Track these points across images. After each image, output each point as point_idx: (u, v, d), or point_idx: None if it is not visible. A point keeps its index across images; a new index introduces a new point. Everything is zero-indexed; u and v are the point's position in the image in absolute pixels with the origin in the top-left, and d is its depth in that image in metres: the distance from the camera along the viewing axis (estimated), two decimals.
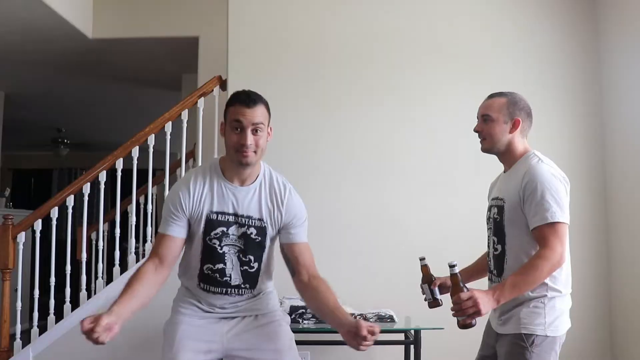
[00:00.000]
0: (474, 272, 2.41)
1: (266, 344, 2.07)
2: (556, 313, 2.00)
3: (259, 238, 2.07)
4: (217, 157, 2.15)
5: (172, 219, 2.03)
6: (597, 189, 4.03)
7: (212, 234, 2.03)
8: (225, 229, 2.03)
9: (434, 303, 2.32)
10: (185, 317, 2.10)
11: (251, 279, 2.10)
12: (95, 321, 1.72)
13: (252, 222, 2.05)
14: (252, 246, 2.07)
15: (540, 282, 1.93)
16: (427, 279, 2.32)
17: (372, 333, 1.78)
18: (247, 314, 2.13)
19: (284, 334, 2.13)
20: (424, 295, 2.35)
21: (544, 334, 1.97)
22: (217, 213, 2.03)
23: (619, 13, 3.92)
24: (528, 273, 1.91)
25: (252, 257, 2.08)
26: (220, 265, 2.05)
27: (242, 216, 2.05)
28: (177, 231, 2.03)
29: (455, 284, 1.93)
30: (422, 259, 2.33)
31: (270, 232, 2.09)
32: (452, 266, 1.94)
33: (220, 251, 2.04)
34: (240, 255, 2.06)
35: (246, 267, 2.08)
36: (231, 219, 2.04)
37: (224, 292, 2.07)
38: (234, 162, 2.02)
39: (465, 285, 1.93)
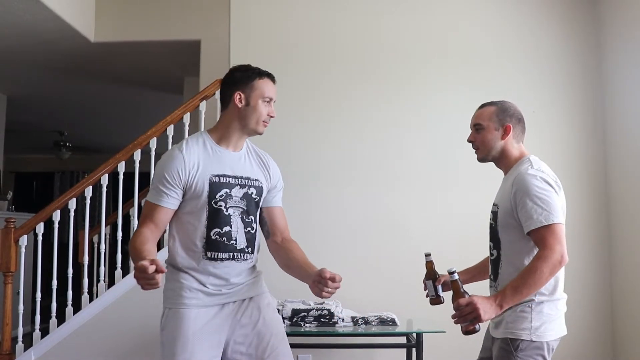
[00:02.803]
0: (476, 272, 2.41)
1: (265, 329, 2.12)
2: (543, 318, 1.99)
3: (258, 198, 2.17)
4: (201, 130, 2.20)
5: (166, 189, 2.04)
6: (598, 192, 4.03)
7: (217, 196, 2.06)
8: (228, 191, 2.09)
9: (436, 300, 2.30)
10: (192, 310, 2.04)
11: (252, 242, 2.15)
12: (154, 262, 1.75)
13: (251, 183, 2.14)
14: (252, 206, 2.15)
15: (543, 284, 1.92)
16: (431, 275, 2.31)
17: (333, 280, 1.93)
18: (245, 297, 2.14)
19: (279, 322, 2.22)
20: (426, 292, 2.33)
21: (529, 339, 1.97)
22: (219, 176, 2.08)
23: (620, 15, 3.92)
24: (528, 276, 1.90)
25: (252, 218, 2.16)
26: (227, 228, 2.08)
27: (241, 177, 2.12)
28: (171, 203, 2.06)
29: (455, 290, 1.93)
30: (427, 255, 2.32)
31: (264, 192, 2.21)
32: (451, 273, 1.94)
33: (226, 213, 2.08)
34: (244, 217, 2.12)
35: (249, 229, 2.14)
36: (232, 180, 2.10)
37: (231, 257, 2.09)
38: (247, 131, 2.13)
39: (467, 291, 1.93)
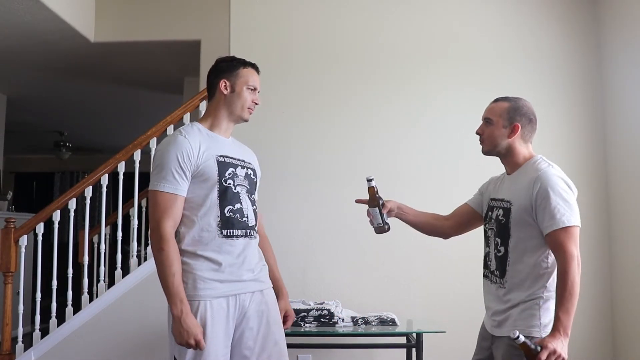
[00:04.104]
0: (417, 220, 2.44)
1: (269, 325, 2.16)
2: (550, 315, 2.01)
3: (255, 179, 2.27)
4: (189, 124, 2.23)
5: (179, 176, 2.04)
6: (599, 193, 4.03)
7: (226, 174, 2.11)
8: (234, 170, 2.15)
9: (381, 228, 2.23)
10: (207, 301, 2.03)
11: (256, 220, 2.22)
12: (202, 336, 1.97)
13: (247, 165, 2.24)
14: (253, 186, 2.24)
15: (578, 289, 1.93)
16: (375, 202, 2.22)
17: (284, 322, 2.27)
18: (255, 289, 2.15)
19: (280, 318, 2.26)
20: (370, 219, 2.25)
21: (539, 336, 1.98)
22: (223, 156, 2.14)
23: (620, 15, 3.92)
24: (567, 293, 1.92)
25: (255, 198, 2.25)
26: (239, 205, 2.13)
27: (239, 159, 2.21)
28: (186, 190, 2.07)
29: (526, 351, 1.87)
30: (369, 180, 2.23)
31: (258, 175, 2.31)
32: (516, 338, 1.85)
33: (235, 191, 2.13)
34: (249, 195, 2.20)
35: (254, 207, 2.22)
36: (234, 161, 2.17)
37: (245, 234, 2.13)
38: (233, 118, 2.21)
39: (534, 343, 1.88)
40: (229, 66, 2.21)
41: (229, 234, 2.09)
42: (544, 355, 1.84)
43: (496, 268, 2.14)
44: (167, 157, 2.05)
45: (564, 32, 4.16)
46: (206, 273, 2.05)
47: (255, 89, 2.22)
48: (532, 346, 1.86)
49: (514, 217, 2.07)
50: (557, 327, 1.90)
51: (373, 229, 2.29)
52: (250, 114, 2.23)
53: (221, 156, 2.13)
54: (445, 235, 2.49)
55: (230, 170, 2.13)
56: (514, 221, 2.07)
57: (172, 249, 2.00)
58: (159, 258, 1.99)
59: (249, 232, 2.15)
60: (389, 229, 2.25)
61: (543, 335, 1.97)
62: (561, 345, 1.87)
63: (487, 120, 2.19)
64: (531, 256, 2.03)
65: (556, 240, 1.96)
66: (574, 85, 4.13)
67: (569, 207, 1.97)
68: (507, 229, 2.09)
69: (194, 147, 2.06)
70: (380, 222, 2.22)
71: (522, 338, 1.84)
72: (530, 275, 2.03)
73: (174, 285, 1.97)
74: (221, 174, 2.10)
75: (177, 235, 2.09)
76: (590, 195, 3.99)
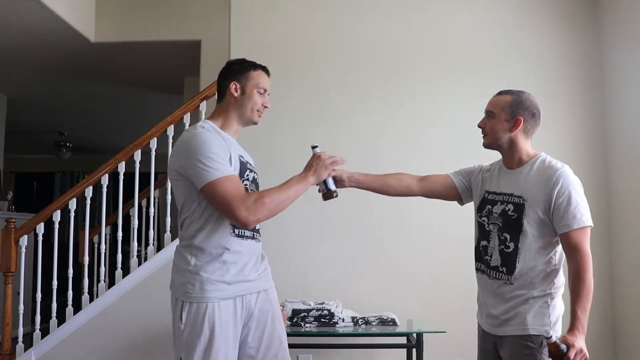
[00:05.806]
0: (374, 183, 2.39)
1: (273, 324, 2.17)
2: (557, 313, 2.03)
3: (258, 183, 2.28)
4: (202, 121, 2.20)
5: (224, 160, 2.03)
6: (598, 192, 4.03)
7: (245, 175, 2.13)
8: (248, 172, 2.17)
9: (327, 194, 2.25)
10: (214, 303, 2.01)
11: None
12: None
13: (253, 168, 2.26)
14: (257, 190, 2.24)
15: (592, 286, 2.00)
16: None
17: None
18: (260, 289, 2.15)
19: (281, 317, 2.26)
20: (318, 187, 2.27)
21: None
22: (240, 156, 2.15)
23: (620, 15, 3.92)
24: (584, 292, 1.98)
25: None
26: None
27: (248, 162, 2.21)
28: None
29: (555, 350, 1.87)
30: (313, 147, 2.29)
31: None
32: (549, 337, 1.86)
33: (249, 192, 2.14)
34: None
35: None
36: (246, 164, 2.19)
37: (252, 236, 2.14)
38: (243, 120, 2.22)
39: (560, 341, 1.88)
40: (239, 68, 2.22)
41: (240, 233, 2.10)
42: (572, 354, 1.86)
43: (501, 264, 2.09)
44: (208, 147, 2.01)
45: (564, 32, 4.16)
46: (213, 275, 2.03)
47: (265, 92, 2.24)
48: (561, 346, 1.87)
49: (528, 213, 2.04)
50: (577, 325, 1.93)
51: (321, 196, 2.29)
52: (260, 116, 2.24)
53: (239, 155, 2.14)
54: (411, 194, 2.41)
55: (247, 171, 2.16)
56: (530, 217, 2.04)
57: (263, 194, 2.03)
58: (267, 206, 2.01)
59: (256, 235, 2.17)
60: (336, 195, 2.26)
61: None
62: (583, 344, 1.90)
63: (489, 114, 2.15)
64: (542, 253, 2.03)
65: (573, 240, 1.99)
66: (574, 84, 4.12)
67: (586, 208, 2.01)
68: (519, 225, 2.05)
69: (221, 142, 2.07)
70: (324, 188, 2.24)
71: (554, 337, 1.87)
72: (541, 272, 2.03)
73: (295, 186, 2.11)
74: (241, 174, 2.11)
75: (188, 230, 2.08)
76: (590, 194, 3.93)
